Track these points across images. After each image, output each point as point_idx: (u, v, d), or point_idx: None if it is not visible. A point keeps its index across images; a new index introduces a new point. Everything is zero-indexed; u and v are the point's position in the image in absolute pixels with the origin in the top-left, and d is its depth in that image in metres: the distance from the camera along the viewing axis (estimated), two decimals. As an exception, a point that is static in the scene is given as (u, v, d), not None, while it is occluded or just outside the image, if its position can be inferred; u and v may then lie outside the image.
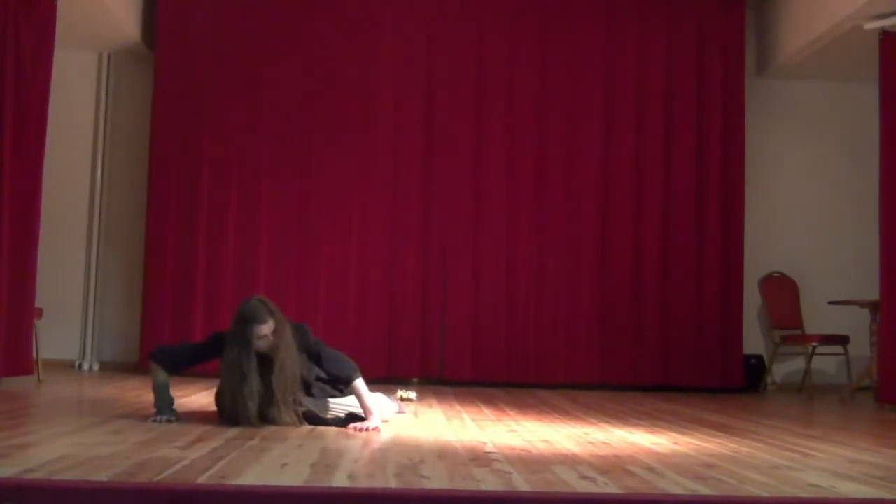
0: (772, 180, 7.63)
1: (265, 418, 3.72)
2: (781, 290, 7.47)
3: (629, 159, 7.24)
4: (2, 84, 5.35)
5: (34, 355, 5.68)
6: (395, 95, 7.18)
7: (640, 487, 2.56)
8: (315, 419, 3.86)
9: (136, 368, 6.85)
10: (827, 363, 7.36)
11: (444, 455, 3.10)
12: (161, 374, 3.88)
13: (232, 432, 3.47)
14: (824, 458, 3.35)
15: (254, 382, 3.67)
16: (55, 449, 2.89)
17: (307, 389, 3.91)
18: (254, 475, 2.54)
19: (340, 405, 3.96)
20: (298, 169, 7.08)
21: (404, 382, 6.62)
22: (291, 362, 3.75)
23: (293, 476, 2.56)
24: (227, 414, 3.77)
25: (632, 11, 7.35)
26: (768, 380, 7.33)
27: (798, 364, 7.34)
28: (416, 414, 4.60)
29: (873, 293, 6.24)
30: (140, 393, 5.11)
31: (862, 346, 6.77)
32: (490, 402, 5.48)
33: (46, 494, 2.25)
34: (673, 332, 7.12)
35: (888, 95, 6.04)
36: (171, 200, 7.01)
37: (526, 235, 7.15)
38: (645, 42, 7.34)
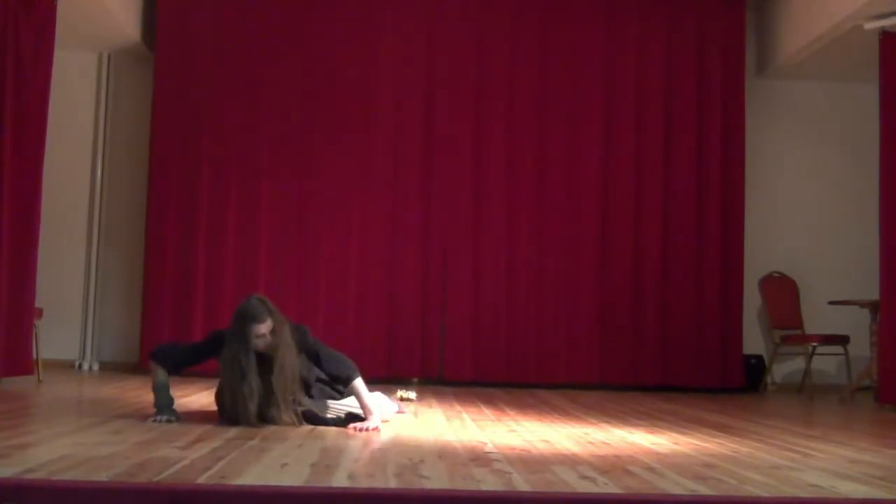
0: (772, 180, 7.63)
1: (265, 418, 3.72)
2: (781, 290, 7.47)
3: (629, 159, 7.24)
4: (2, 84, 5.35)
5: (34, 355, 5.68)
6: (395, 95, 7.18)
7: (640, 487, 2.56)
8: (315, 419, 3.86)
9: (136, 368, 6.85)
10: (827, 363, 7.36)
11: (444, 455, 3.10)
12: (161, 374, 3.88)
13: (232, 432, 3.47)
14: (824, 458, 3.35)
15: (253, 381, 3.67)
16: (55, 449, 2.89)
17: (307, 390, 3.91)
18: (254, 475, 2.54)
19: (340, 406, 3.96)
20: (298, 169, 7.08)
21: (404, 382, 6.62)
22: (291, 362, 3.75)
23: (293, 476, 2.56)
24: (228, 413, 3.77)
25: (632, 11, 7.35)
26: (768, 380, 7.33)
27: (798, 364, 7.34)
28: (416, 414, 4.60)
29: (873, 293, 6.24)
30: (140, 393, 5.11)
31: (862, 346, 6.77)
32: (490, 402, 5.48)
33: (46, 494, 2.25)
34: (673, 332, 7.12)
35: (888, 95, 6.04)
36: (171, 200, 7.01)
37: (526, 235, 7.15)
38: (645, 42, 7.34)
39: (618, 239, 7.18)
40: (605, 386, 7.02)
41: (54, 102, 5.88)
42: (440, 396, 5.77)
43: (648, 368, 7.09)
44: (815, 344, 6.91)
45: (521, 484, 2.54)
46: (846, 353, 6.98)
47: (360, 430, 3.70)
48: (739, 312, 7.22)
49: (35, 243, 5.64)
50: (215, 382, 4.01)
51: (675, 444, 3.64)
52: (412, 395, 5.37)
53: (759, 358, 7.41)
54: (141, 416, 3.90)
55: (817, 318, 7.29)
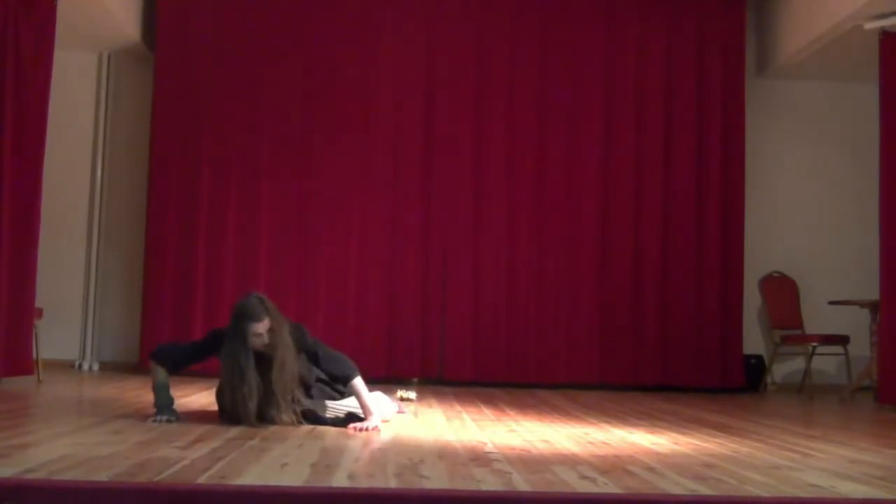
0: (772, 180, 7.63)
1: (264, 418, 3.71)
2: (781, 290, 7.47)
3: (629, 159, 7.24)
4: (2, 84, 5.35)
5: (34, 355, 5.68)
6: (395, 95, 7.18)
7: (640, 487, 2.56)
8: (314, 419, 3.86)
9: (136, 368, 6.85)
10: (827, 363, 7.36)
11: (444, 455, 3.10)
12: (161, 374, 3.88)
13: (232, 432, 3.47)
14: (824, 458, 3.35)
15: (252, 381, 3.67)
16: (55, 449, 2.89)
17: (306, 390, 3.91)
18: (254, 475, 2.54)
19: (340, 406, 3.95)
20: (298, 169, 7.08)
21: (404, 382, 6.62)
22: (290, 361, 3.74)
23: (293, 476, 2.56)
24: (228, 412, 3.77)
25: (632, 11, 7.35)
26: (768, 380, 7.33)
27: (798, 364, 7.34)
28: (416, 414, 4.60)
29: (873, 293, 6.24)
30: (140, 393, 5.11)
31: (862, 346, 6.77)
32: (490, 402, 5.48)
33: (46, 494, 2.25)
34: (673, 332, 7.12)
35: (888, 95, 6.04)
36: (171, 200, 7.01)
37: (526, 235, 7.15)
38: (645, 42, 7.34)
39: (618, 239, 7.18)
40: (605, 386, 7.02)
41: (54, 102, 5.88)
42: (440, 396, 5.77)
43: (648, 368, 7.09)
44: (815, 344, 6.91)
45: (521, 484, 2.54)
46: (846, 353, 6.97)
47: (360, 429, 3.70)
48: (739, 312, 7.22)
49: (35, 243, 5.64)
50: (215, 382, 4.01)
51: (675, 444, 3.64)
52: (412, 395, 5.37)
53: (759, 358, 7.41)
54: (141, 416, 3.90)
55: (817, 318, 7.29)
